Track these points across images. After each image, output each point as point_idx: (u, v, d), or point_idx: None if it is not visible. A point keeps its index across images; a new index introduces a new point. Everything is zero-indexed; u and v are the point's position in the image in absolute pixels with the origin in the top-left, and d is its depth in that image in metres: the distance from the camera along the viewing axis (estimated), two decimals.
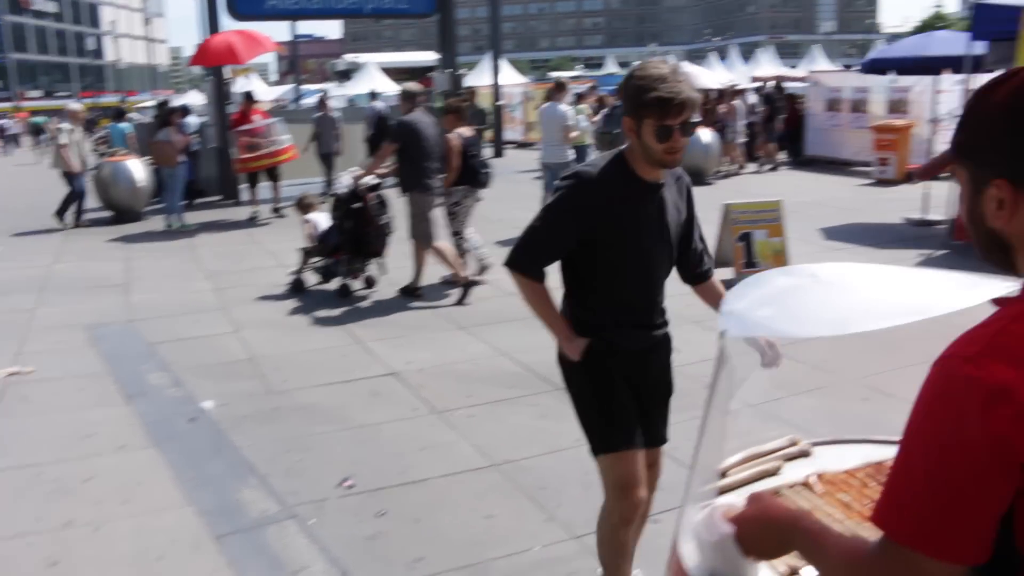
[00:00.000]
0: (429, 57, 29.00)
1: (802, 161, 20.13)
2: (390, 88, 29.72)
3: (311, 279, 8.95)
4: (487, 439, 5.01)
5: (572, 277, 2.95)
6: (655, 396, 3.10)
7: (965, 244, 10.78)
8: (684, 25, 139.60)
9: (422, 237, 8.43)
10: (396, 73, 34.42)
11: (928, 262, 10.02)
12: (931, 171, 1.99)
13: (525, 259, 2.88)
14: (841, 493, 2.03)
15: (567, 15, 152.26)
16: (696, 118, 2.68)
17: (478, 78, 26.57)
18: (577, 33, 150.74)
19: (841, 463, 2.19)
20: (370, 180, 8.65)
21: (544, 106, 12.03)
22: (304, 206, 9.48)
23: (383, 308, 8.24)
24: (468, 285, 8.41)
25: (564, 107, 11.78)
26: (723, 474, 2.04)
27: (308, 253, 8.88)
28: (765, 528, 1.53)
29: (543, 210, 2.84)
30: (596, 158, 2.90)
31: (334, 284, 8.78)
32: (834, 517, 1.91)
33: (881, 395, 5.39)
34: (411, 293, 8.52)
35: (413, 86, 9.16)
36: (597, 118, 13.40)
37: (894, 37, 66.52)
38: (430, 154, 8.40)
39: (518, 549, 3.83)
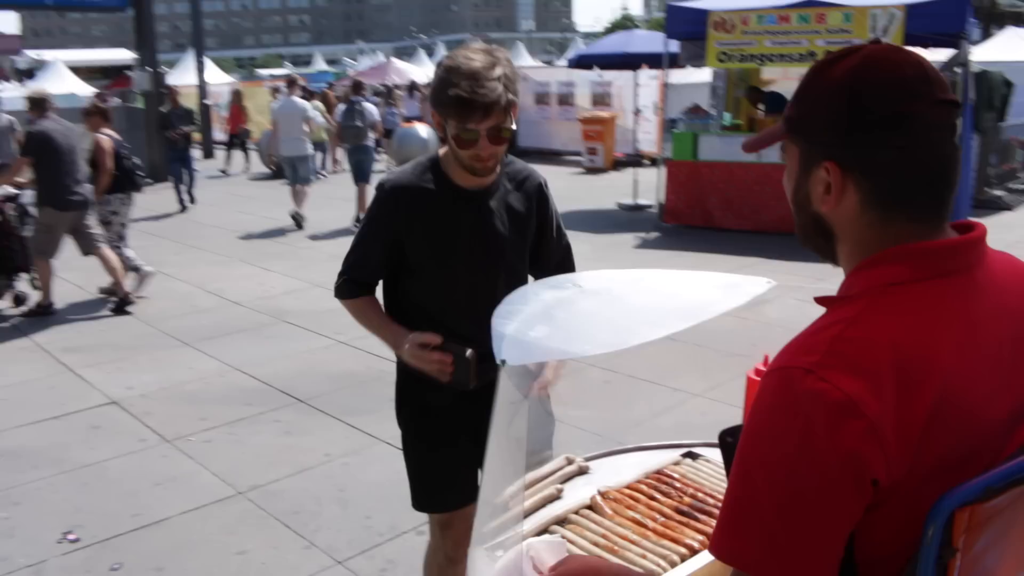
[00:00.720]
0: (124, 55, 26.91)
1: (516, 153, 20.70)
2: (83, 89, 27.35)
3: None
4: (229, 465, 4.59)
5: (389, 302, 2.57)
6: None
7: (674, 226, 11.58)
8: (391, 23, 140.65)
9: (39, 251, 7.70)
10: (87, 72, 31.66)
11: (643, 244, 10.63)
12: (761, 144, 2.00)
13: (340, 287, 2.51)
14: (629, 510, 1.94)
15: (271, 12, 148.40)
16: (512, 124, 2.27)
17: (181, 77, 25.02)
18: (283, 31, 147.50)
19: (619, 476, 2.11)
20: (7, 190, 7.81)
21: (281, 102, 12.55)
22: None
23: (94, 328, 7.42)
24: (120, 295, 7.88)
25: (301, 101, 12.25)
26: (506, 506, 1.89)
27: None
28: None
29: (359, 228, 2.51)
30: (409, 163, 2.52)
31: None
32: (629, 538, 1.82)
33: (622, 377, 5.55)
34: (41, 312, 7.76)
35: (40, 92, 8.35)
36: (335, 114, 13.48)
37: (587, 35, 70.76)
38: (68, 164, 7.58)
39: None
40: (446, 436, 2.55)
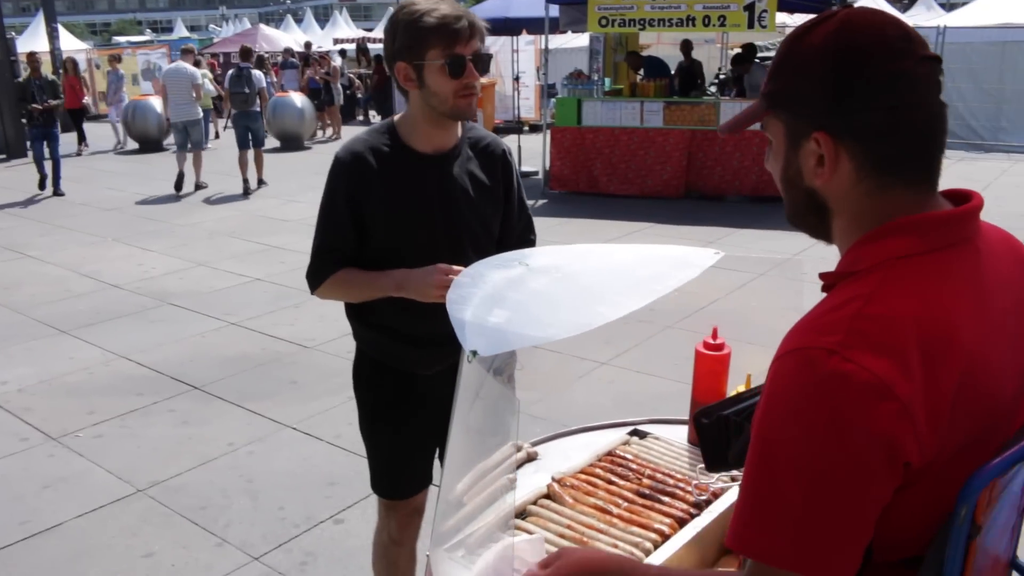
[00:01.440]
0: None
1: None
2: None
3: None
4: (125, 460, 4.32)
5: None
6: None
7: (560, 193, 11.61)
8: None
9: None
10: None
11: (532, 211, 10.54)
12: (739, 126, 1.90)
13: (318, 270, 2.31)
14: (589, 497, 1.87)
15: None
16: (489, 51, 2.21)
17: (30, 43, 23.44)
18: None
19: (569, 461, 2.04)
20: None
21: (170, 67, 13.08)
22: None
23: None
24: None
25: (191, 68, 12.56)
26: (462, 502, 1.79)
27: None
28: None
29: (319, 209, 2.32)
30: (363, 131, 2.37)
31: None
32: (596, 527, 1.75)
33: (527, 349, 5.49)
34: None
35: None
36: (225, 81, 13.44)
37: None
38: None
39: None
40: (404, 422, 2.44)
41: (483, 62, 2.16)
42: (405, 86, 2.19)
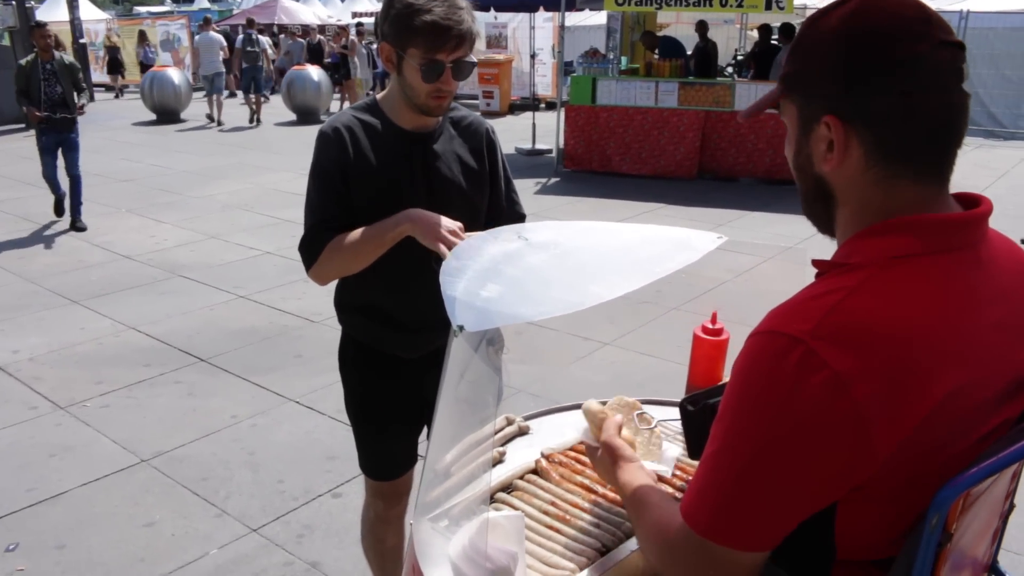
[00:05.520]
0: None
1: None
2: None
3: None
4: (130, 431, 4.39)
5: None
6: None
7: (573, 171, 11.59)
8: None
9: None
10: None
11: (543, 189, 10.59)
12: (758, 111, 1.86)
13: (313, 240, 2.23)
14: (577, 475, 1.89)
15: None
16: (472, 59, 2.14)
17: (51, 12, 23.52)
18: None
19: (562, 436, 2.05)
20: None
21: (201, 35, 17.73)
22: None
23: None
24: None
25: (218, 35, 17.90)
26: (448, 473, 1.82)
27: None
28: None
29: (308, 185, 2.29)
30: (346, 108, 2.33)
31: None
32: (580, 506, 1.78)
33: (532, 328, 5.53)
34: None
35: None
36: (236, 43, 18.68)
37: None
38: None
39: (192, 557, 3.35)
40: (388, 405, 2.47)
41: (463, 70, 2.12)
42: (386, 66, 2.18)
